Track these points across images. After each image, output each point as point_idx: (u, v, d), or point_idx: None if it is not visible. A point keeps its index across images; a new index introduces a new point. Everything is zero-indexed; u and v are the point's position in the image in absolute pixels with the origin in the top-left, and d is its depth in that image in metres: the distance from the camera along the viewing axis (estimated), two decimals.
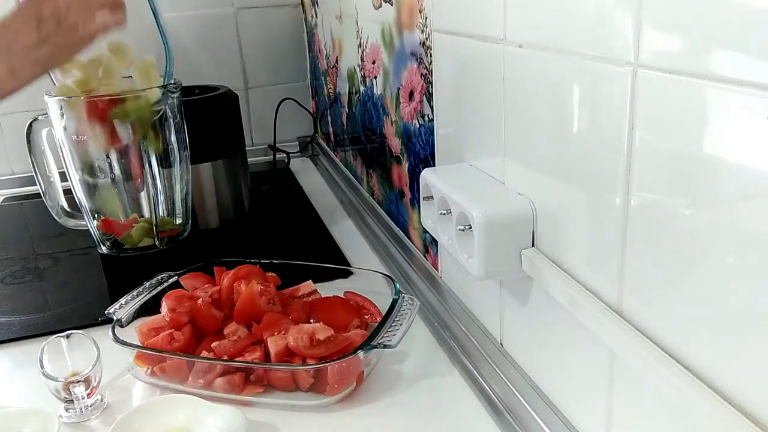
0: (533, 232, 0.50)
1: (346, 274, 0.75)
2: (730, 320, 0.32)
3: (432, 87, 0.66)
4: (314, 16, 1.21)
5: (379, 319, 0.62)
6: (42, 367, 0.57)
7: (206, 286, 0.70)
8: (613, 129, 0.38)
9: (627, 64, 0.36)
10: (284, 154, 1.28)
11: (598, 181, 0.41)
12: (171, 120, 0.79)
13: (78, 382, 0.57)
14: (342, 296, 0.70)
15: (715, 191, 0.32)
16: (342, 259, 0.85)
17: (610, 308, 0.41)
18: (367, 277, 0.71)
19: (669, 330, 0.36)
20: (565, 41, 0.42)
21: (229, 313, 0.66)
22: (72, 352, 0.60)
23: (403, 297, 0.64)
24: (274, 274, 0.72)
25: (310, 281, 0.71)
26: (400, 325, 0.59)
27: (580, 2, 0.40)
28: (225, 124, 0.96)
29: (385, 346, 0.56)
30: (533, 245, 0.50)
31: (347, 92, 1.04)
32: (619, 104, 0.37)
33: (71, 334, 0.60)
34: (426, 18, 0.65)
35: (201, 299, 0.65)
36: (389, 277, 0.68)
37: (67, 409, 0.57)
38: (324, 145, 1.32)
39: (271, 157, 1.27)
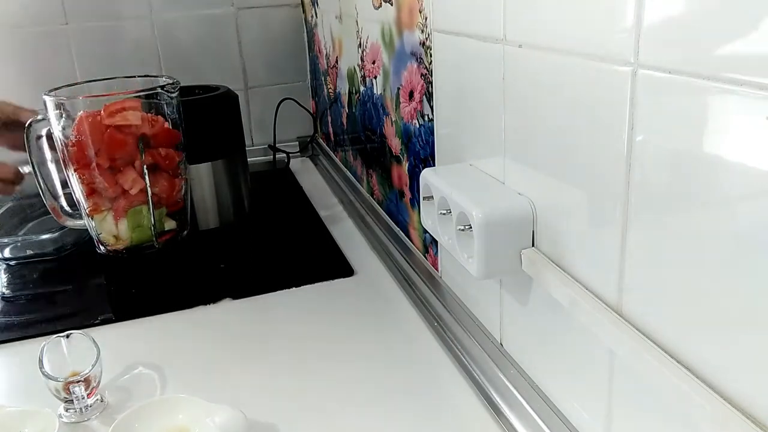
0: (533, 232, 0.50)
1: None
2: (730, 320, 0.32)
3: (432, 87, 0.66)
4: (314, 16, 1.21)
5: None
6: (42, 366, 0.57)
7: None
8: (613, 129, 0.38)
9: (627, 64, 0.36)
10: (284, 154, 1.28)
11: (598, 180, 0.41)
12: (170, 120, 0.79)
13: (78, 382, 0.57)
14: None
15: (715, 191, 0.32)
16: (342, 259, 0.85)
17: (610, 308, 0.41)
18: (369, 276, 0.71)
19: (669, 330, 0.36)
20: (565, 41, 0.42)
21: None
22: (72, 352, 0.60)
23: None
24: None
25: None
26: None
27: (580, 2, 0.40)
28: (225, 124, 0.96)
29: None
30: (533, 245, 0.50)
31: (347, 92, 1.04)
32: (619, 104, 0.37)
33: (71, 333, 0.60)
34: (426, 18, 0.65)
35: None
36: None
37: (67, 409, 0.57)
38: (324, 145, 1.32)
39: (271, 157, 1.27)
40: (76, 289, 0.82)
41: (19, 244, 0.90)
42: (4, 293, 0.82)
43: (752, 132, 0.29)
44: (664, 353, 0.36)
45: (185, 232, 0.85)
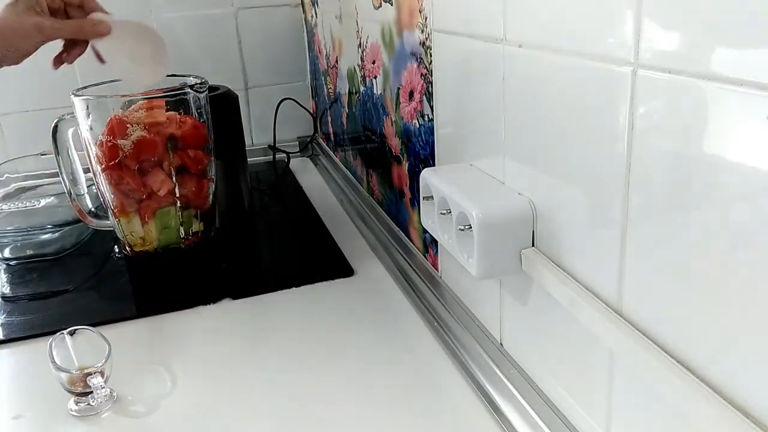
0: (533, 232, 0.50)
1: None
2: (730, 320, 0.32)
3: (432, 87, 0.66)
4: (314, 15, 1.21)
5: None
6: (53, 360, 0.58)
7: None
8: (612, 128, 0.38)
9: (627, 64, 0.36)
10: (284, 154, 1.28)
11: (598, 180, 0.41)
12: (198, 115, 0.79)
13: (95, 372, 0.57)
14: None
15: (715, 191, 0.32)
16: (342, 259, 0.85)
17: (610, 308, 0.41)
18: (369, 276, 0.71)
19: (669, 330, 0.36)
20: (565, 41, 0.42)
21: None
22: (76, 348, 0.60)
23: None
24: None
25: None
26: None
27: (580, 2, 0.40)
28: (225, 124, 0.96)
29: None
30: (533, 245, 0.50)
31: (347, 92, 1.04)
32: (619, 104, 0.37)
33: (76, 330, 0.61)
34: (426, 18, 0.65)
35: None
36: None
37: (77, 403, 0.58)
38: (324, 145, 1.32)
39: (271, 157, 1.27)
40: (76, 289, 0.82)
41: (19, 244, 0.90)
42: (4, 293, 0.82)
43: (752, 132, 0.29)
44: (664, 353, 0.36)
45: (212, 234, 0.85)
